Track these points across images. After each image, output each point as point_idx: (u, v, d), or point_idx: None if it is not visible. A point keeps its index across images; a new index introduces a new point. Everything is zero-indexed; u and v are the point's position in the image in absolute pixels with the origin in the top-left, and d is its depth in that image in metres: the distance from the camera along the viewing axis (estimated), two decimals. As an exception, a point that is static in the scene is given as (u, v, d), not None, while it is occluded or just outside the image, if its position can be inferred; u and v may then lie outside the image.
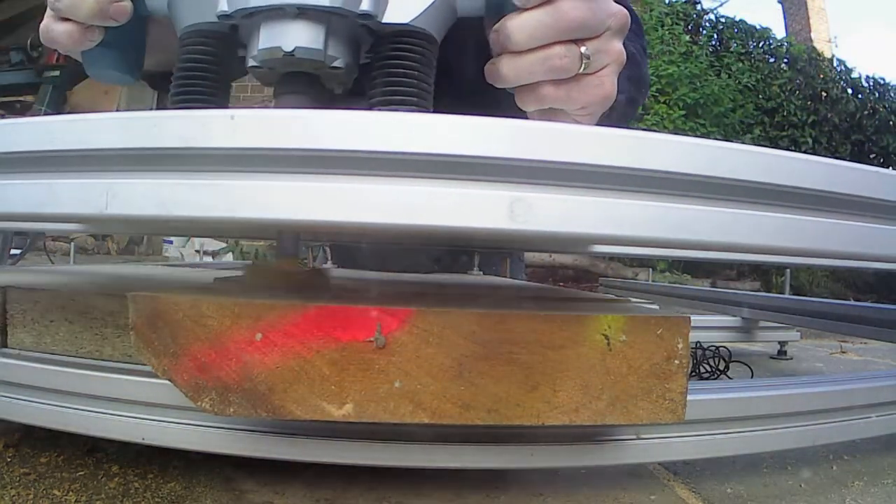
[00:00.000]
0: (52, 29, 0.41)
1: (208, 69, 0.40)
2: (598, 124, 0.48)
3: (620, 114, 0.55)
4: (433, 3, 0.39)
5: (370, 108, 0.39)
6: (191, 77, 0.39)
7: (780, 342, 1.69)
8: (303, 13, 0.36)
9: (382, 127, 0.31)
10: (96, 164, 0.33)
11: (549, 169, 0.31)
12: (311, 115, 0.31)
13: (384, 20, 0.38)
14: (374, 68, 0.40)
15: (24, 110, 3.49)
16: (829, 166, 0.36)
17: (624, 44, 0.53)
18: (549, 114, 0.44)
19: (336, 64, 0.38)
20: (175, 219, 0.33)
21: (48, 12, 0.42)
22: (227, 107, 0.40)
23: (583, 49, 0.39)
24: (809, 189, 0.35)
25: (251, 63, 0.38)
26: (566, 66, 0.39)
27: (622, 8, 0.41)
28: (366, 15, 0.37)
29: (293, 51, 0.36)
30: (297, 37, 0.36)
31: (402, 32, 0.39)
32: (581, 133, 0.31)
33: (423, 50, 0.39)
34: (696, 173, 0.32)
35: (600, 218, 0.32)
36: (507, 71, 0.40)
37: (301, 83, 0.39)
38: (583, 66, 0.39)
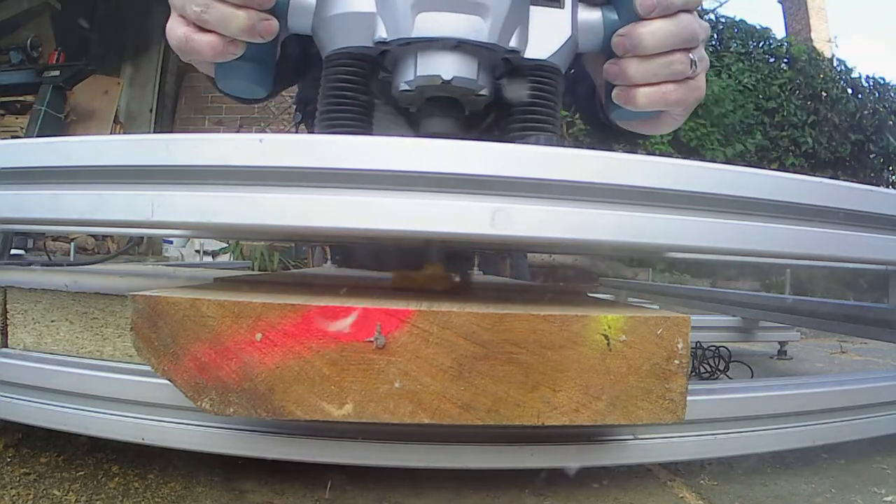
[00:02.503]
0: (194, 39, 0.42)
1: (358, 89, 0.43)
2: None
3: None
4: (566, 41, 0.44)
5: (511, 133, 0.44)
6: (341, 97, 0.43)
7: (780, 342, 1.69)
8: (460, 46, 0.41)
9: (390, 150, 0.36)
10: (142, 177, 0.38)
11: (524, 184, 0.36)
12: (330, 139, 0.37)
13: (525, 55, 0.43)
14: (515, 98, 0.44)
15: (24, 110, 3.50)
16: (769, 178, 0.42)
17: None
18: (652, 118, 0.50)
19: (482, 92, 0.43)
20: (212, 225, 0.38)
21: (179, 21, 0.43)
22: (371, 127, 0.45)
23: (692, 56, 0.45)
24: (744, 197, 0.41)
25: (403, 87, 0.43)
26: (684, 70, 0.45)
27: (706, 23, 0.47)
28: (512, 51, 0.42)
29: (451, 80, 0.41)
30: (456, 67, 0.41)
31: (540, 67, 0.44)
32: (551, 154, 0.37)
33: (556, 83, 0.44)
34: (648, 186, 0.38)
35: (568, 224, 0.37)
36: (634, 71, 0.45)
37: (446, 107, 0.44)
38: (692, 70, 0.45)
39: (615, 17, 0.46)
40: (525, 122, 0.44)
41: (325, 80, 0.43)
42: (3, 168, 0.42)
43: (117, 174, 0.39)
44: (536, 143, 0.43)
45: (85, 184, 0.39)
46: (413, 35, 0.40)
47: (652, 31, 0.44)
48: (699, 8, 0.46)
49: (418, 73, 0.41)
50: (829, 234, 0.46)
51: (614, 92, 0.47)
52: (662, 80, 0.45)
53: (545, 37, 0.43)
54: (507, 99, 0.45)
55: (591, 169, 0.37)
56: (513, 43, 0.42)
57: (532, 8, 0.43)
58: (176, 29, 0.43)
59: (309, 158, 0.36)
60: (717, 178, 0.40)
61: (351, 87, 0.43)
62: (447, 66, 0.41)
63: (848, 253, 0.48)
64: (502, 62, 0.43)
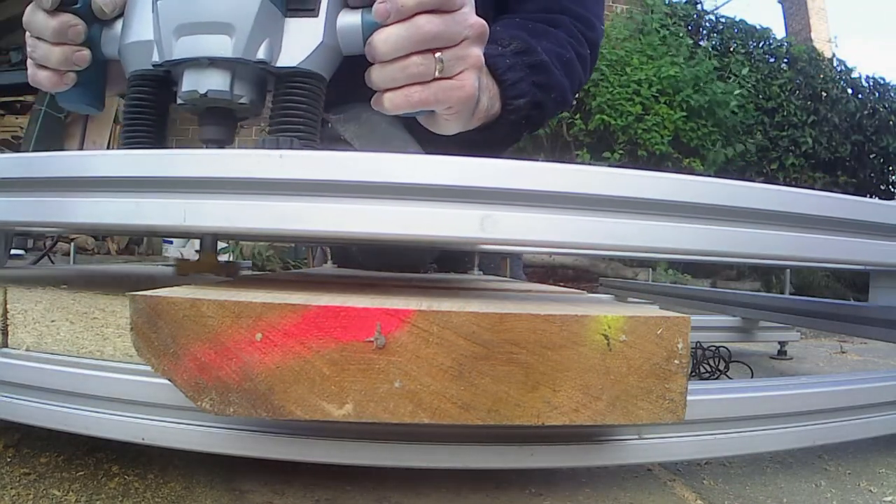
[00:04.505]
0: (37, 74, 0.51)
1: (148, 107, 0.50)
2: (500, 123, 0.60)
3: (524, 116, 0.63)
4: (317, 47, 0.47)
5: (267, 135, 0.48)
6: (134, 115, 0.50)
7: (780, 342, 1.69)
8: (213, 63, 0.46)
9: (389, 163, 0.40)
10: (176, 186, 0.42)
11: (510, 193, 0.41)
12: (342, 156, 0.41)
13: (277, 64, 0.47)
14: (273, 103, 0.49)
15: (24, 110, 3.50)
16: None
17: (538, 52, 0.65)
18: (428, 117, 0.52)
19: (242, 101, 0.48)
20: (237, 230, 0.42)
21: (29, 61, 0.52)
22: (164, 140, 0.52)
23: (437, 55, 0.46)
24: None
25: (179, 101, 0.48)
26: (423, 73, 0.46)
27: (480, 20, 0.48)
28: (261, 62, 0.46)
29: (206, 93, 0.46)
30: (209, 81, 0.46)
31: (293, 74, 0.48)
32: (533, 167, 0.41)
33: (309, 87, 0.48)
34: (622, 195, 0.42)
35: (548, 229, 0.42)
36: (376, 77, 0.47)
37: (218, 116, 0.50)
38: (437, 70, 0.46)
39: (371, 18, 0.47)
40: (275, 125, 0.48)
41: (125, 100, 0.50)
42: (46, 177, 0.47)
43: (152, 184, 0.43)
44: (268, 144, 0.47)
45: (123, 192, 0.44)
46: (175, 57, 0.46)
47: (384, 38, 0.46)
48: (449, 8, 0.46)
49: (183, 89, 0.47)
50: (816, 239, 0.50)
51: (372, 99, 0.49)
52: (402, 83, 0.47)
53: (297, 45, 0.47)
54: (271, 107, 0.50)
55: (567, 180, 0.41)
56: (261, 54, 0.46)
57: (288, 20, 0.47)
58: (28, 66, 0.52)
59: (322, 172, 0.40)
60: (701, 190, 0.45)
61: (141, 105, 0.50)
62: (202, 82, 0.47)
63: (832, 255, 0.53)
64: (260, 72, 0.48)
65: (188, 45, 0.46)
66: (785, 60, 5.11)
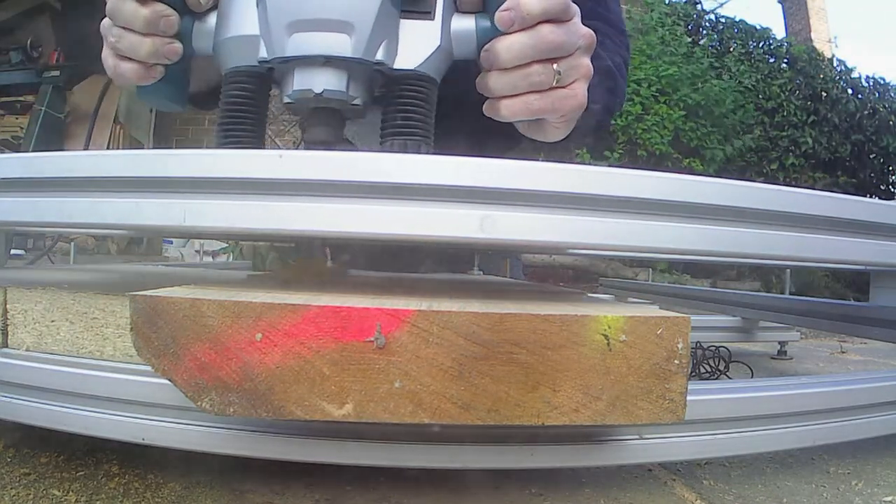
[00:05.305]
0: (120, 66, 0.48)
1: (248, 105, 0.48)
2: (578, 128, 0.59)
3: (598, 120, 0.64)
4: (434, 51, 0.47)
5: (382, 138, 0.47)
6: (233, 113, 0.47)
7: (780, 342, 1.69)
8: (329, 62, 0.45)
9: (389, 163, 0.40)
10: (176, 186, 0.42)
11: (510, 193, 0.41)
12: (341, 156, 0.41)
13: (394, 66, 0.46)
14: (387, 106, 0.48)
15: (24, 110, 3.50)
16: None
17: (604, 57, 0.64)
18: (534, 124, 0.52)
19: (355, 102, 0.46)
20: (237, 230, 0.43)
21: (107, 49, 0.49)
22: (262, 139, 0.49)
23: (555, 66, 0.46)
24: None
25: (286, 100, 0.46)
26: (543, 81, 0.46)
27: (589, 30, 0.49)
28: (379, 63, 0.45)
29: (322, 92, 0.45)
30: (326, 81, 0.45)
31: (409, 77, 0.47)
32: (533, 167, 0.41)
33: (425, 91, 0.47)
34: (622, 195, 0.43)
35: (548, 229, 0.42)
36: (495, 84, 0.47)
37: (326, 116, 0.48)
38: (555, 80, 0.47)
39: (488, 24, 0.47)
40: (391, 128, 0.47)
41: (222, 96, 0.48)
42: (46, 177, 0.47)
43: (152, 184, 0.43)
44: (393, 147, 0.46)
45: (123, 192, 0.44)
46: (288, 54, 0.45)
47: (508, 46, 0.46)
48: (562, 16, 0.46)
49: (294, 88, 0.46)
50: (816, 239, 0.50)
51: (485, 104, 0.49)
52: (523, 91, 0.47)
53: (414, 48, 0.47)
54: (382, 107, 0.48)
55: (567, 180, 0.42)
56: (379, 56, 0.45)
57: (402, 21, 0.47)
58: (107, 58, 0.49)
59: (321, 172, 0.40)
60: (701, 190, 0.44)
61: (242, 102, 0.48)
62: (318, 81, 0.45)
63: (832, 255, 0.53)
64: (375, 73, 0.47)
65: (303, 42, 0.44)
66: (785, 60, 5.11)
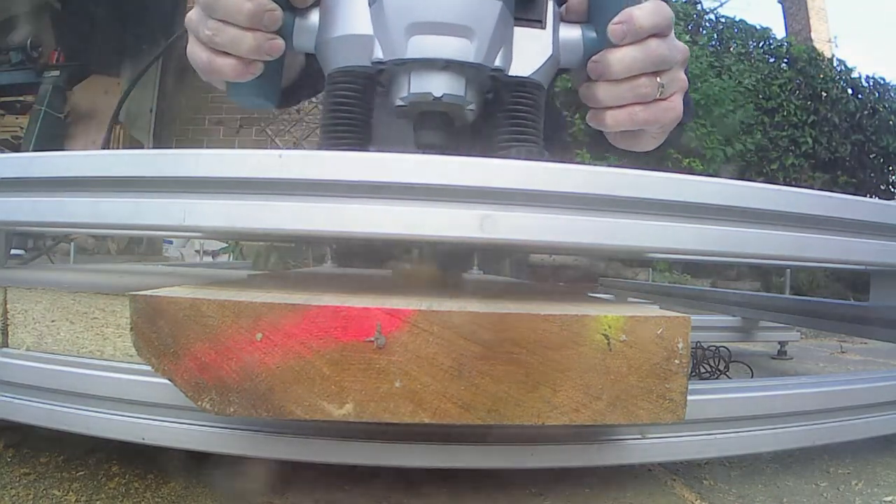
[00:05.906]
0: (216, 62, 0.46)
1: (357, 106, 0.47)
2: (667, 139, 0.60)
3: (679, 130, 0.63)
4: (547, 60, 0.47)
5: (496, 145, 0.47)
6: (342, 113, 0.46)
7: (780, 342, 1.69)
8: (449, 66, 0.44)
9: (389, 163, 0.40)
10: (176, 186, 0.42)
11: (510, 193, 0.41)
12: (339, 156, 0.41)
13: (510, 73, 0.46)
14: (500, 112, 0.47)
15: (24, 110, 3.50)
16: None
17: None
18: (630, 134, 0.53)
19: (469, 107, 0.46)
20: (237, 230, 0.43)
21: (198, 44, 0.47)
22: (369, 141, 0.48)
23: (659, 79, 0.47)
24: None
25: (398, 102, 0.46)
26: (648, 93, 0.48)
27: (684, 45, 0.50)
28: (497, 69, 0.45)
29: (441, 96, 0.45)
30: (445, 85, 0.45)
31: (523, 84, 0.47)
32: (533, 167, 0.41)
33: (538, 98, 0.47)
34: (622, 195, 0.43)
35: (548, 229, 0.42)
36: (603, 95, 0.48)
37: (437, 120, 0.47)
38: (659, 92, 0.48)
39: (594, 35, 0.48)
40: (507, 135, 0.47)
41: (328, 96, 0.47)
42: (46, 177, 0.47)
43: (152, 184, 0.43)
44: (518, 154, 0.46)
45: (123, 192, 0.44)
46: (407, 56, 0.44)
47: (620, 58, 0.47)
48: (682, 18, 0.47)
49: (412, 91, 0.45)
50: (816, 239, 0.51)
51: (588, 114, 0.50)
52: (629, 102, 0.48)
53: (528, 55, 0.47)
54: (493, 113, 0.48)
55: (567, 180, 0.42)
56: (497, 62, 0.45)
57: (516, 28, 0.46)
58: (199, 53, 0.46)
59: (322, 172, 0.40)
60: (701, 190, 0.45)
61: (351, 103, 0.46)
62: (438, 84, 0.44)
63: (832, 255, 0.53)
64: (489, 79, 0.47)
65: (423, 44, 0.44)
66: (785, 60, 5.10)
